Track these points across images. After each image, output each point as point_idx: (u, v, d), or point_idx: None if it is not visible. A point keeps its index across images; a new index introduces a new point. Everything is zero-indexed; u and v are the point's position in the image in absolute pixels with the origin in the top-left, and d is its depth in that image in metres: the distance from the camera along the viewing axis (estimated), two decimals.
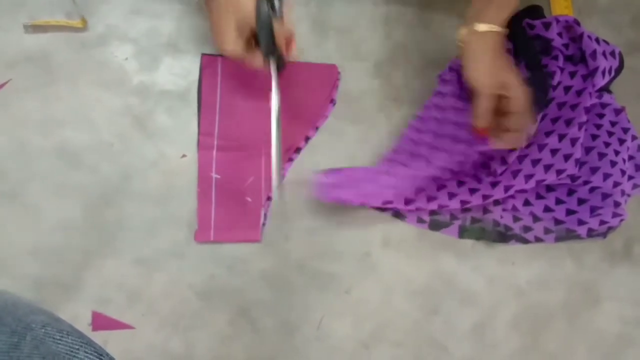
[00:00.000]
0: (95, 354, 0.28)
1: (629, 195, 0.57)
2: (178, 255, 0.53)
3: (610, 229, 0.57)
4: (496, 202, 0.57)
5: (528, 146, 0.56)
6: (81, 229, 0.53)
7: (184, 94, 0.57)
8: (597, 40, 0.57)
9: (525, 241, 0.56)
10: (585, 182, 0.56)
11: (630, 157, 0.58)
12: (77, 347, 0.28)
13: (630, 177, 0.57)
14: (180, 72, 0.57)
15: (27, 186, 0.53)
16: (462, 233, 0.56)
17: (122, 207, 0.53)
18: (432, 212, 0.56)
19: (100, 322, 0.51)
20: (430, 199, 0.55)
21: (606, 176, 0.56)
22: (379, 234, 0.56)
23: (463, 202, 0.55)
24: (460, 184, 0.56)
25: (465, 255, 0.56)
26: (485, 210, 0.56)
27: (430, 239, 0.56)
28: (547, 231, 0.56)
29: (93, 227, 0.53)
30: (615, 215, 0.55)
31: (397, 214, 0.56)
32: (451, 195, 0.55)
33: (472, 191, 0.55)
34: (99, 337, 0.51)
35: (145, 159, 0.55)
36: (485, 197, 0.56)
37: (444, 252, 0.56)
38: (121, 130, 0.55)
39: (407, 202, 0.54)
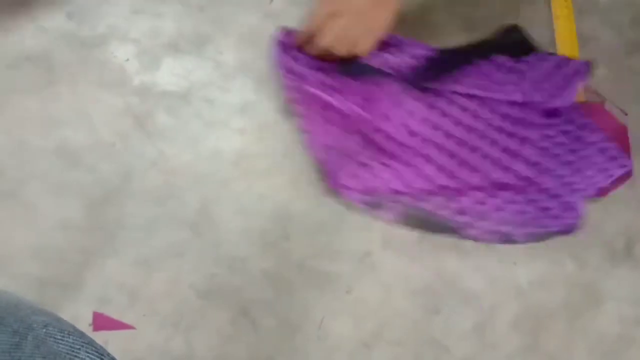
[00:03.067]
0: (97, 354, 0.28)
1: (588, 197, 0.56)
2: (178, 254, 0.53)
3: (554, 233, 0.56)
4: (434, 193, 0.56)
5: (482, 138, 0.56)
6: (82, 229, 0.53)
7: (184, 94, 0.57)
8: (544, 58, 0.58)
9: (465, 237, 0.56)
10: (535, 183, 0.56)
11: (587, 157, 0.57)
12: (78, 347, 0.28)
13: (591, 177, 0.57)
14: (181, 72, 0.57)
15: (27, 186, 0.53)
16: (399, 219, 0.55)
17: (123, 206, 0.53)
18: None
19: (101, 322, 0.51)
20: (383, 180, 0.55)
21: (557, 176, 0.56)
22: (380, 234, 0.56)
23: (410, 187, 0.55)
24: (416, 169, 0.56)
25: (466, 255, 0.56)
26: (423, 200, 0.56)
27: (431, 239, 0.56)
28: (489, 231, 0.56)
29: (93, 227, 0.53)
30: (565, 217, 0.55)
31: (333, 191, 0.55)
32: (403, 180, 0.55)
33: (424, 177, 0.55)
34: (99, 337, 0.51)
35: (146, 159, 0.55)
36: (441, 186, 0.55)
37: (445, 252, 0.56)
38: (121, 130, 0.55)
39: (363, 186, 0.54)
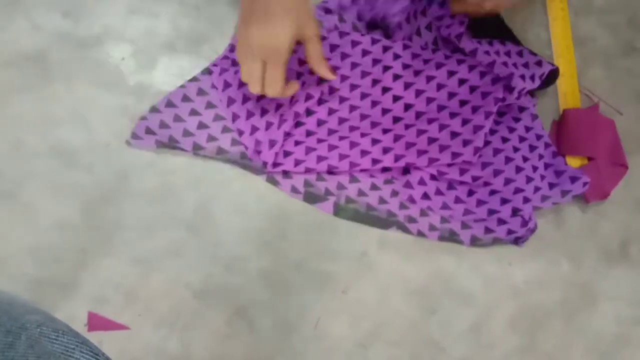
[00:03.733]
0: (91, 354, 0.28)
1: (541, 207, 0.56)
2: (175, 254, 0.53)
3: (500, 239, 0.56)
4: (376, 187, 0.56)
5: (429, 122, 0.56)
6: (78, 229, 0.52)
7: None
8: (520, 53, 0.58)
9: (406, 231, 0.56)
10: (486, 184, 0.56)
11: (548, 165, 0.57)
12: (72, 346, 0.28)
13: (552, 185, 0.57)
14: (178, 72, 0.57)
15: (23, 186, 0.53)
16: (338, 211, 0.55)
17: (119, 206, 0.53)
18: (307, 183, 0.55)
19: (96, 322, 0.51)
20: (320, 159, 0.54)
21: (507, 181, 0.56)
22: (376, 234, 0.56)
23: (352, 165, 0.55)
24: (353, 145, 0.55)
25: (462, 255, 0.56)
26: (361, 193, 0.56)
27: (427, 239, 0.56)
28: (432, 228, 0.56)
29: (90, 227, 0.53)
30: (513, 224, 0.55)
31: (272, 180, 0.55)
32: (342, 157, 0.55)
33: (363, 153, 0.55)
34: (94, 337, 0.51)
35: (142, 159, 0.55)
36: (374, 161, 0.55)
37: (441, 252, 0.56)
38: (118, 130, 0.55)
39: (297, 162, 0.54)
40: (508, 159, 0.56)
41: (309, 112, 0.56)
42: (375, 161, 0.55)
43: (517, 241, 0.56)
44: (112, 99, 0.55)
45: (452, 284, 0.56)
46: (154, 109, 0.55)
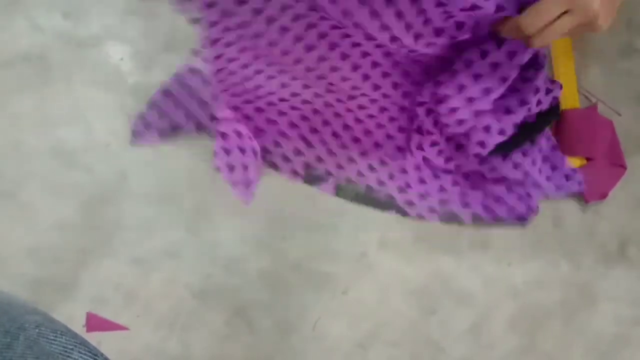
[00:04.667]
0: (90, 354, 0.28)
1: (536, 196, 0.56)
2: (174, 255, 0.53)
3: (502, 219, 0.56)
4: (372, 168, 0.56)
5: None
6: (77, 229, 0.52)
7: None
8: None
9: (405, 214, 0.56)
10: (483, 176, 0.56)
11: (546, 158, 0.57)
12: (71, 347, 0.28)
13: (548, 178, 0.57)
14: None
15: (23, 186, 0.53)
16: (338, 191, 0.55)
17: (119, 206, 0.53)
18: (307, 165, 0.55)
19: (95, 323, 0.51)
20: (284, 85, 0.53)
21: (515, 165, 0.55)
22: (376, 234, 0.56)
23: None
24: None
25: (461, 255, 0.56)
26: (360, 174, 0.56)
27: (427, 239, 0.56)
28: (431, 210, 0.56)
29: (89, 227, 0.53)
30: (514, 205, 0.55)
31: (272, 164, 0.55)
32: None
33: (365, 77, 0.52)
34: (93, 338, 0.51)
35: (142, 159, 0.55)
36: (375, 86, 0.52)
37: (441, 252, 0.56)
38: (117, 130, 0.55)
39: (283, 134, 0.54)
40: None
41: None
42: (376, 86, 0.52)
43: (521, 220, 0.56)
44: (111, 98, 0.55)
45: (452, 284, 0.56)
46: (150, 103, 0.55)
